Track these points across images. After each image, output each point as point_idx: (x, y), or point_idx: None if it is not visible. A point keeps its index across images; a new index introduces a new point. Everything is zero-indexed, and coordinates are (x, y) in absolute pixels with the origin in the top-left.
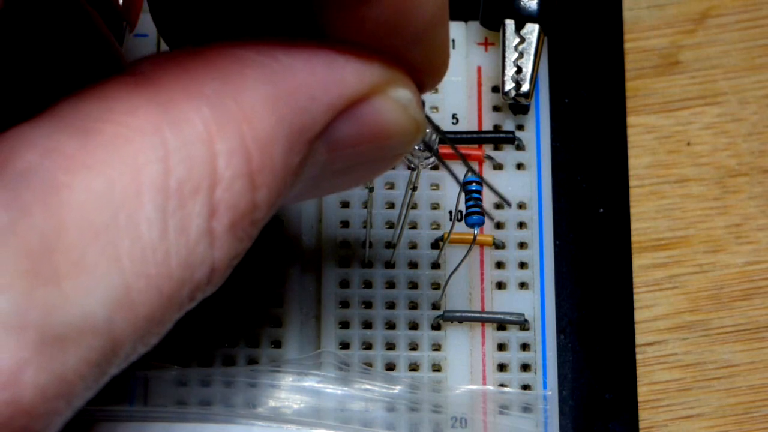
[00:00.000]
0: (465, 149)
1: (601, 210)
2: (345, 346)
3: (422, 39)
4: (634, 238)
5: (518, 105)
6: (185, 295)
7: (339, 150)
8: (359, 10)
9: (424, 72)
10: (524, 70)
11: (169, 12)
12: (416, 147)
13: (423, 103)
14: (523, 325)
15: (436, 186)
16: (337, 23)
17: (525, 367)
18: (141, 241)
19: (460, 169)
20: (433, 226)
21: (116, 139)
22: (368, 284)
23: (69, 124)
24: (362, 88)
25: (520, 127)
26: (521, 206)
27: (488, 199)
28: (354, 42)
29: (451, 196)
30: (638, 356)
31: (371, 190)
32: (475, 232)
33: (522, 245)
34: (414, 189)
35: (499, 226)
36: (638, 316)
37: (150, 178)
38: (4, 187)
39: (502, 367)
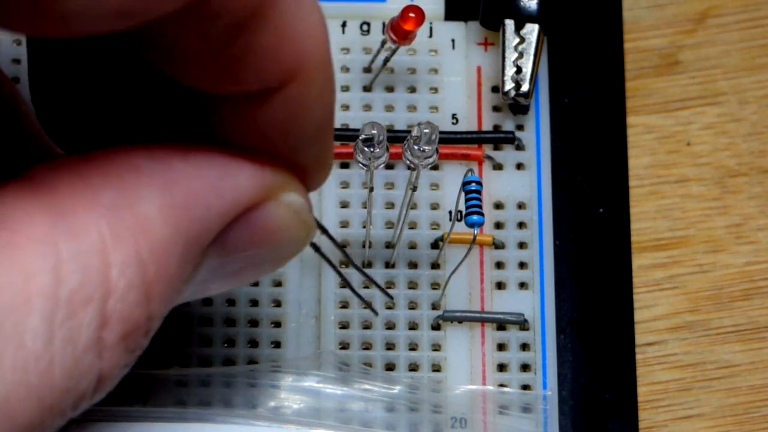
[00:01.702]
0: (465, 149)
1: (601, 210)
2: (345, 346)
3: (311, 142)
4: (634, 238)
5: (518, 105)
6: (68, 404)
7: (231, 255)
8: (252, 113)
9: (310, 174)
10: (524, 70)
11: (57, 116)
12: (416, 147)
13: (310, 205)
14: (523, 325)
15: (436, 186)
16: (229, 125)
17: (525, 367)
18: (24, 350)
19: (459, 170)
20: (433, 226)
21: (9, 246)
22: (368, 284)
23: None
24: (255, 195)
25: (520, 127)
26: (521, 206)
27: (488, 200)
28: (246, 146)
29: (451, 196)
30: (638, 356)
31: (371, 190)
32: (475, 232)
33: (522, 245)
34: (414, 189)
35: (498, 226)
36: (638, 316)
37: (39, 286)
38: None
39: (501, 367)
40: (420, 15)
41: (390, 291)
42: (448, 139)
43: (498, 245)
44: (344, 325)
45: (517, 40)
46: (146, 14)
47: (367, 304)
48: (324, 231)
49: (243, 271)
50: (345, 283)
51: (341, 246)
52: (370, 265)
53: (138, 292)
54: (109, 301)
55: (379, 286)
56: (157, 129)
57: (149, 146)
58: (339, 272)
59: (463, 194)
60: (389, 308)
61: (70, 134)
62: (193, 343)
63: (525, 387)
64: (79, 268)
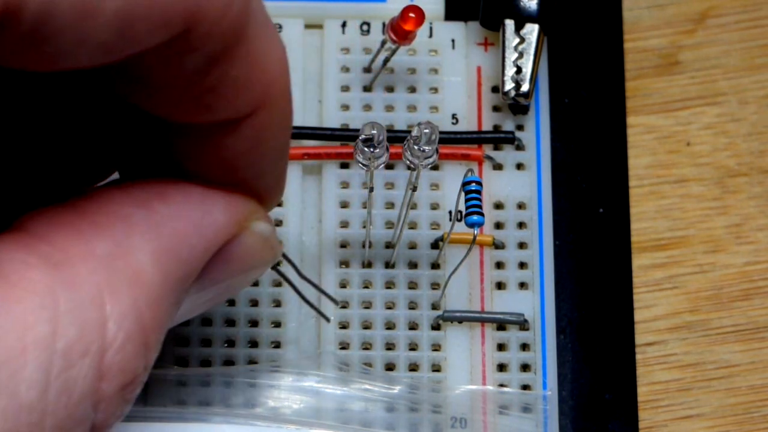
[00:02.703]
0: (465, 149)
1: (601, 210)
2: (345, 346)
3: (273, 166)
4: (633, 238)
5: (518, 105)
6: None
7: (207, 287)
8: (220, 140)
9: (269, 197)
10: (524, 70)
11: (21, 147)
12: (416, 147)
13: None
14: (523, 325)
15: (435, 186)
16: (195, 154)
17: (525, 367)
18: (18, 399)
19: (459, 170)
20: (433, 226)
21: (6, 297)
22: (368, 284)
23: None
24: (231, 228)
25: (520, 127)
26: (521, 206)
27: (488, 200)
28: (211, 175)
29: (450, 196)
30: (638, 356)
31: (371, 190)
32: (475, 232)
33: (522, 245)
34: (414, 189)
35: (498, 226)
36: (638, 316)
37: (37, 338)
38: None
39: (501, 367)
40: (420, 15)
41: (390, 291)
42: (448, 139)
43: (498, 245)
44: (344, 325)
45: (517, 40)
46: (130, 49)
47: (319, 313)
48: (284, 256)
49: (214, 299)
50: (297, 292)
51: (291, 261)
52: (370, 265)
53: (136, 342)
54: (108, 353)
55: (325, 293)
56: (121, 159)
57: (129, 188)
58: (291, 284)
59: (463, 194)
60: (389, 308)
61: (34, 165)
62: (193, 343)
63: (525, 387)
64: (76, 319)
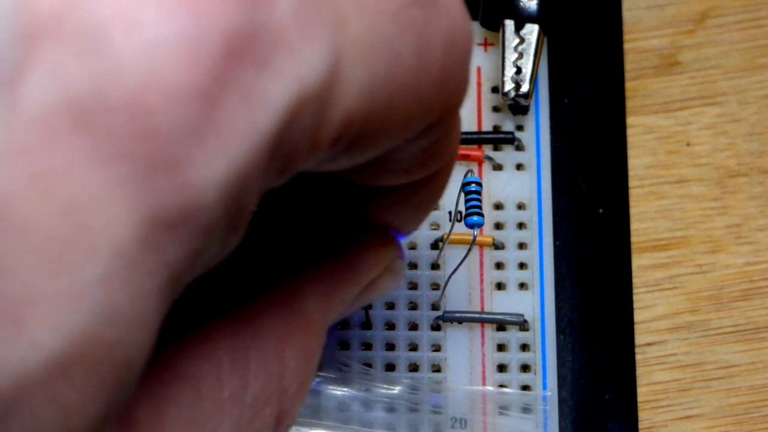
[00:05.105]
0: (465, 150)
1: (601, 210)
2: (345, 346)
3: (424, 216)
4: (633, 239)
5: (518, 105)
6: None
7: (339, 316)
8: (402, 198)
9: (405, 234)
10: (524, 70)
11: None
12: None
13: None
14: (523, 325)
15: None
16: (369, 208)
17: (525, 368)
18: None
19: (459, 170)
20: (433, 227)
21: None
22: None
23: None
24: (379, 272)
25: (520, 128)
26: (521, 207)
27: (488, 200)
28: (376, 222)
29: (450, 196)
30: (638, 356)
31: None
32: (475, 232)
33: (522, 246)
34: None
35: (498, 226)
36: (638, 316)
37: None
38: None
39: (501, 368)
40: None
41: None
42: None
43: (498, 246)
44: (344, 325)
45: (517, 40)
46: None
47: None
48: None
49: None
50: None
51: None
52: None
53: (306, 387)
54: (284, 400)
55: None
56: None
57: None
58: None
59: (462, 195)
60: (389, 308)
61: None
62: None
63: (525, 387)
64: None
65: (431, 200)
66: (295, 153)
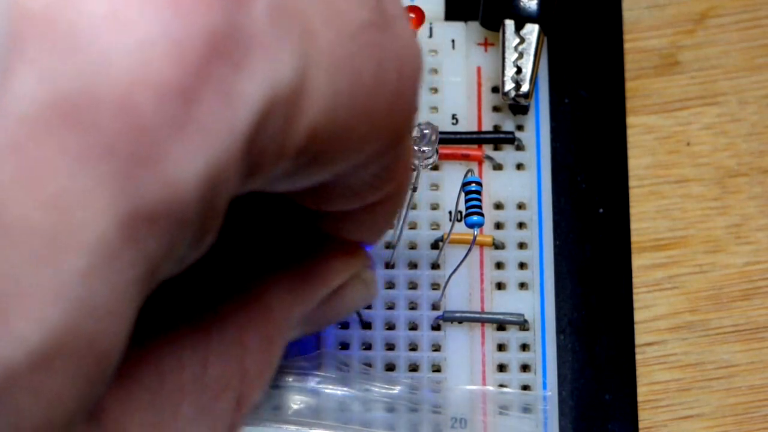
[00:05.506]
0: (465, 150)
1: (601, 210)
2: (345, 346)
3: (387, 228)
4: (633, 239)
5: (518, 105)
6: None
7: (313, 324)
8: (355, 218)
9: (371, 243)
10: (524, 70)
11: None
12: (416, 148)
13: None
14: (523, 325)
15: (435, 186)
16: (326, 227)
17: (525, 368)
18: None
19: (459, 170)
20: (433, 227)
21: None
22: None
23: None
24: (346, 279)
25: (520, 128)
26: (521, 206)
27: (488, 200)
28: (333, 235)
29: (450, 196)
30: (638, 356)
31: (414, 190)
32: (475, 232)
33: (522, 245)
34: (414, 189)
35: (498, 226)
36: (638, 316)
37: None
38: None
39: (501, 368)
40: (420, 15)
41: (390, 291)
42: (448, 139)
43: (498, 245)
44: (344, 325)
45: (517, 40)
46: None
47: None
48: None
49: (305, 332)
50: None
51: None
52: None
53: (268, 376)
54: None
55: None
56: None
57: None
58: None
59: (462, 194)
60: (389, 308)
61: None
62: None
63: (525, 387)
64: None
65: (386, 220)
66: (264, 156)
